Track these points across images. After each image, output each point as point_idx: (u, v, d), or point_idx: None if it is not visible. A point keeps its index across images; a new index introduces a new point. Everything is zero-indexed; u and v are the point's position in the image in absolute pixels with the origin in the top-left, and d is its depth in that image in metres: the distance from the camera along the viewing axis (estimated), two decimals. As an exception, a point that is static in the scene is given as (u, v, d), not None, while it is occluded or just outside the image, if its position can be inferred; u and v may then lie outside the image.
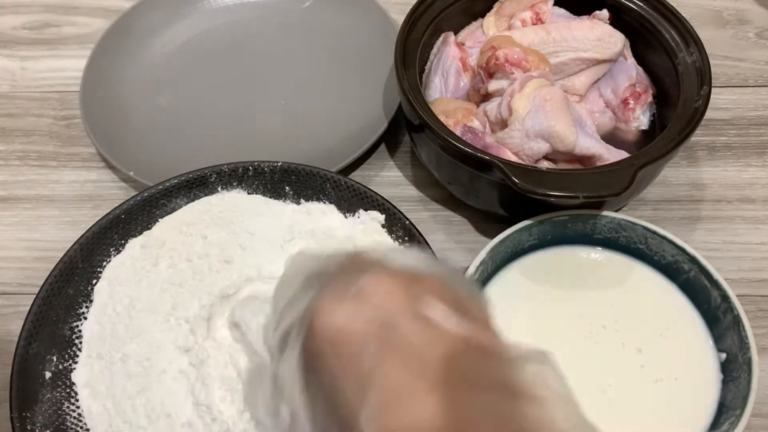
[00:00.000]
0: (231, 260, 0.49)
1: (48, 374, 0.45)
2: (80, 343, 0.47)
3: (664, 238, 0.49)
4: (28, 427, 0.42)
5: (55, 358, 0.46)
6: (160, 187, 0.53)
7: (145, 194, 0.52)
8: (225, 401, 0.43)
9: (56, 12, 0.77)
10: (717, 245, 0.56)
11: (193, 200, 0.53)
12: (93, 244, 0.50)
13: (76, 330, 0.48)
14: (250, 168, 0.54)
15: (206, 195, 0.54)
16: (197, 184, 0.53)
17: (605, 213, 0.50)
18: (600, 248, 0.52)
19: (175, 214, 0.53)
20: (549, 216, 0.50)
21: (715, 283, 0.46)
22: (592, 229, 0.51)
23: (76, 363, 0.46)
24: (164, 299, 0.47)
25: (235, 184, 0.54)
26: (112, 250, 0.51)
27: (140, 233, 0.52)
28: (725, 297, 0.46)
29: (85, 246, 0.50)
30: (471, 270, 0.47)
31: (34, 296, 0.47)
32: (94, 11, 0.77)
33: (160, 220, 0.53)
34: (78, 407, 0.45)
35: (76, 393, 0.45)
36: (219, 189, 0.54)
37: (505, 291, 0.50)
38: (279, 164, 0.54)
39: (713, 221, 0.58)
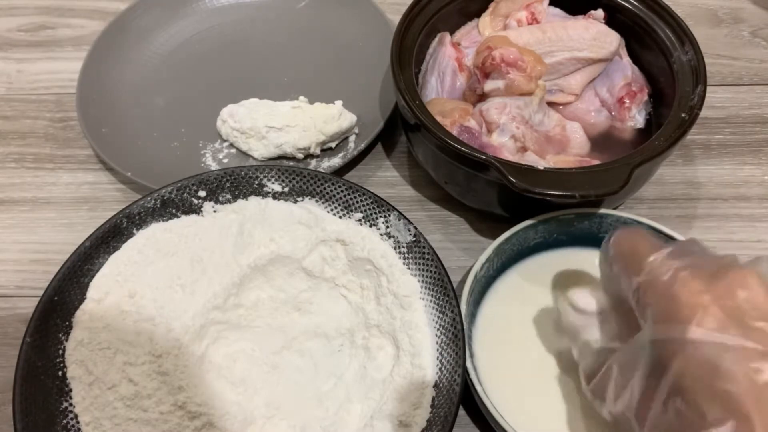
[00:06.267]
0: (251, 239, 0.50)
1: (50, 377, 0.45)
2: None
3: (669, 237, 0.49)
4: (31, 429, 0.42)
5: (58, 362, 0.46)
6: (177, 189, 0.53)
7: (165, 196, 0.52)
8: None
9: (51, 14, 0.77)
10: (713, 243, 0.56)
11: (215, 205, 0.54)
12: (95, 246, 0.50)
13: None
14: (243, 172, 0.54)
15: (221, 203, 0.54)
16: (219, 191, 0.54)
17: (610, 212, 0.50)
18: None
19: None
20: (555, 214, 0.50)
21: None
22: (598, 227, 0.51)
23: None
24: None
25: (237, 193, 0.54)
26: (112, 248, 0.51)
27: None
28: None
29: (88, 248, 0.50)
30: (476, 267, 0.48)
31: (32, 298, 0.47)
32: (89, 13, 0.77)
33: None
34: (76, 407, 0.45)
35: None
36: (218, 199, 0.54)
37: (508, 292, 0.50)
38: (275, 166, 0.54)
39: (709, 219, 0.58)
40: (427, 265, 0.49)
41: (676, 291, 0.32)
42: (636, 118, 0.57)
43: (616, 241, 0.38)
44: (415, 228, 0.50)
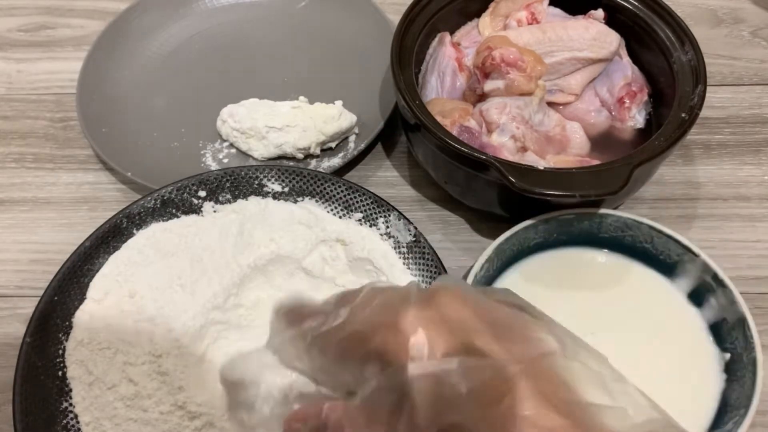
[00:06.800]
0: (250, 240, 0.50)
1: (50, 377, 0.45)
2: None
3: (669, 237, 0.49)
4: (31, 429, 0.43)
5: (58, 362, 0.46)
6: (177, 189, 0.53)
7: (165, 196, 0.52)
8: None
9: (51, 14, 0.77)
10: (713, 243, 0.56)
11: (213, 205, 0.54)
12: (95, 246, 0.50)
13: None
14: (243, 172, 0.54)
15: (221, 203, 0.54)
16: (219, 191, 0.54)
17: (611, 212, 0.50)
18: (605, 250, 0.52)
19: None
20: (555, 214, 0.50)
21: (721, 283, 0.46)
22: (598, 227, 0.51)
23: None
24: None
25: (236, 192, 0.54)
26: (112, 248, 0.51)
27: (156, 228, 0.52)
28: (730, 296, 0.46)
29: (88, 248, 0.50)
30: (476, 267, 0.47)
31: (32, 298, 0.47)
32: (89, 13, 0.77)
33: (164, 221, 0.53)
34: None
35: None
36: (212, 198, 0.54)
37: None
38: (275, 166, 0.54)
39: (709, 219, 0.58)
40: (427, 265, 0.49)
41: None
42: (636, 118, 0.57)
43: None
44: (415, 228, 0.50)
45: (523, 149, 0.53)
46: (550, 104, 0.57)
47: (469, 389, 0.27)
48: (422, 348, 0.28)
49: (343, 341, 0.31)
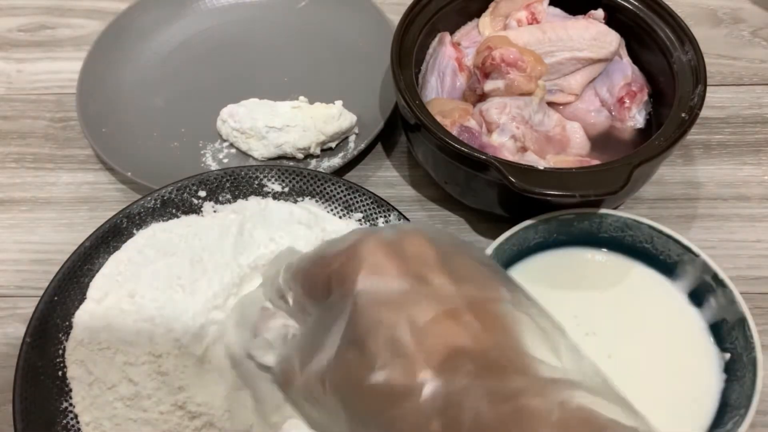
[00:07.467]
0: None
1: (50, 377, 0.45)
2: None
3: (669, 237, 0.49)
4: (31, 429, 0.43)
5: (58, 362, 0.46)
6: (175, 189, 0.53)
7: (165, 196, 0.52)
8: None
9: (51, 14, 0.77)
10: (713, 243, 0.56)
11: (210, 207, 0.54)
12: (95, 246, 0.50)
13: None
14: (243, 172, 0.54)
15: (221, 203, 0.54)
16: (219, 191, 0.54)
17: (611, 212, 0.50)
18: (605, 249, 0.52)
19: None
20: (555, 214, 0.50)
21: (721, 283, 0.46)
22: (598, 227, 0.51)
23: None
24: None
25: (236, 192, 0.54)
26: (112, 248, 0.51)
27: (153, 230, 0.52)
28: (730, 296, 0.46)
29: (88, 248, 0.50)
30: None
31: (32, 298, 0.47)
32: (89, 13, 0.77)
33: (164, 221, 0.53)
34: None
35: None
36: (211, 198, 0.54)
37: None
38: (275, 166, 0.54)
39: (709, 219, 0.58)
40: (427, 265, 0.49)
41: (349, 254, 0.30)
42: (636, 118, 0.57)
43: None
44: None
45: (523, 149, 0.53)
46: (550, 104, 0.57)
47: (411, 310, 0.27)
48: (373, 270, 0.29)
49: (310, 268, 0.33)
